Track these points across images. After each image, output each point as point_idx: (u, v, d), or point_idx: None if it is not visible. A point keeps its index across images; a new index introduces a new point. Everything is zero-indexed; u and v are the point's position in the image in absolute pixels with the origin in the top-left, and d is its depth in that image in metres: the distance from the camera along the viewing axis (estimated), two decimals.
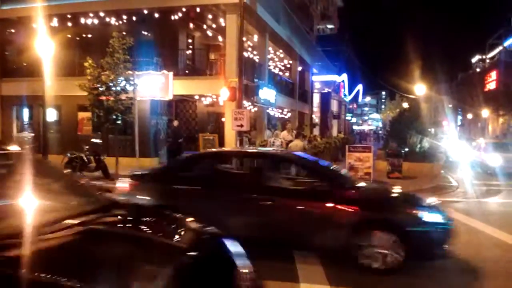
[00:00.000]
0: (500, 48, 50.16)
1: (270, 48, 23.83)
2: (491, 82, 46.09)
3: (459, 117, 59.75)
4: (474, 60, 61.24)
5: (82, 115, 19.07)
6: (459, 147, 25.81)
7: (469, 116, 52.19)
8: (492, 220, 9.76)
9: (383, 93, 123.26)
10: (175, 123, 19.51)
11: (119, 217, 3.35)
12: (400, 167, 16.29)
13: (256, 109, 20.53)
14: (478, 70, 56.07)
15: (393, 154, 16.62)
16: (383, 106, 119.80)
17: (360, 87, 59.66)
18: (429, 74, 52.97)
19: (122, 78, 14.19)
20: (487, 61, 55.06)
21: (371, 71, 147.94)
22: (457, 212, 10.59)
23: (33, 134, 20.37)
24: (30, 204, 3.12)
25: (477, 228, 8.85)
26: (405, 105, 41.61)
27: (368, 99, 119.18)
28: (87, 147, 14.88)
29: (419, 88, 32.60)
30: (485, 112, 42.21)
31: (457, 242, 6.29)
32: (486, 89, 45.98)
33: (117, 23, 18.29)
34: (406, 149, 18.09)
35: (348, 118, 59.25)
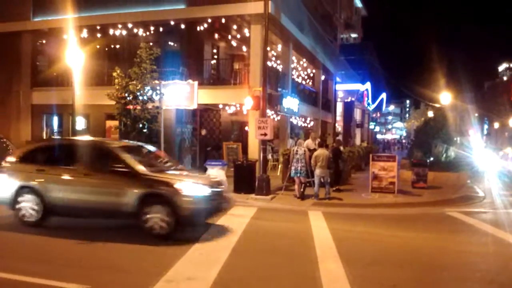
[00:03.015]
0: None
1: (294, 57, 23.94)
2: None
3: (485, 126, 58.62)
4: (501, 68, 60.13)
5: (110, 123, 19.50)
6: (485, 157, 25.38)
7: (496, 125, 51.22)
8: None
9: (407, 101, 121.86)
10: (203, 132, 19.81)
11: None
12: (425, 176, 16.14)
13: (279, 118, 20.64)
14: (505, 78, 55.01)
15: (418, 163, 16.48)
16: (407, 115, 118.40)
17: (383, 95, 59.13)
18: (455, 82, 52.24)
19: (149, 88, 14.50)
20: None
21: (395, 80, 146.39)
22: (485, 223, 10.48)
23: None
24: None
25: (505, 240, 8.73)
26: (430, 114, 41.06)
27: (392, 107, 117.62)
28: None
29: (445, 97, 32.13)
30: None
31: (484, 253, 6.25)
32: None
33: (144, 34, 18.72)
34: (432, 159, 17.91)
35: (371, 127, 58.67)
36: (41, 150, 9.93)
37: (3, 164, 9.51)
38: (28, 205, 8.79)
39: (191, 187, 8.16)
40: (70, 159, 8.94)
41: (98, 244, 7.58)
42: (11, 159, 9.52)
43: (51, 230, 8.58)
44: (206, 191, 8.31)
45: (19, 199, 8.87)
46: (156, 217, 7.90)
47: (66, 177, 8.69)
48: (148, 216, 7.93)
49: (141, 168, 8.34)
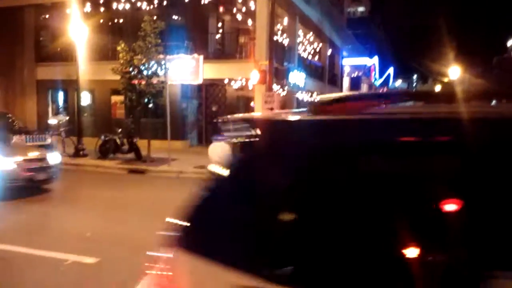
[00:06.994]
0: None
1: (300, 31, 23.59)
2: None
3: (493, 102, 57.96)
4: (509, 43, 59.04)
5: (115, 98, 19.41)
6: None
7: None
8: None
9: (414, 76, 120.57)
10: (214, 108, 19.88)
11: None
12: None
13: (285, 92, 20.46)
14: None
15: None
16: (414, 90, 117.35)
17: (391, 70, 58.61)
18: (463, 56, 51.32)
19: (153, 62, 14.34)
20: None
21: (402, 54, 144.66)
22: None
23: (67, 117, 20.88)
24: None
25: None
26: (438, 88, 40.52)
27: (399, 82, 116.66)
28: (120, 130, 15.20)
29: (453, 71, 31.69)
30: None
31: None
32: None
33: (148, 8, 18.45)
34: None
35: None
36: None
37: None
38: None
39: None
40: None
41: None
42: None
43: None
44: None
45: None
46: None
47: None
48: None
49: None
